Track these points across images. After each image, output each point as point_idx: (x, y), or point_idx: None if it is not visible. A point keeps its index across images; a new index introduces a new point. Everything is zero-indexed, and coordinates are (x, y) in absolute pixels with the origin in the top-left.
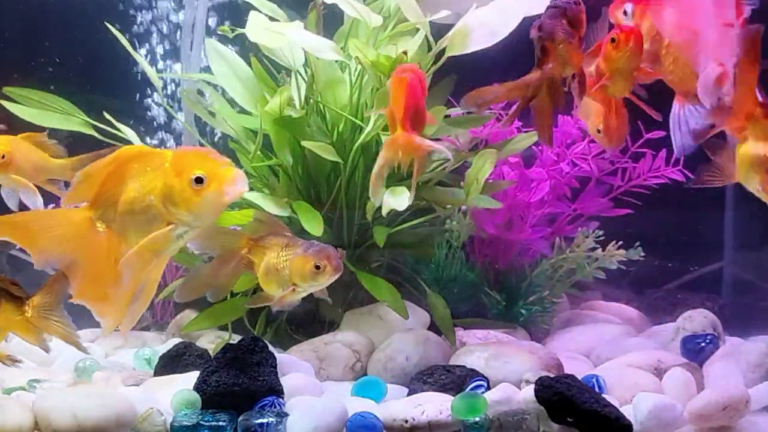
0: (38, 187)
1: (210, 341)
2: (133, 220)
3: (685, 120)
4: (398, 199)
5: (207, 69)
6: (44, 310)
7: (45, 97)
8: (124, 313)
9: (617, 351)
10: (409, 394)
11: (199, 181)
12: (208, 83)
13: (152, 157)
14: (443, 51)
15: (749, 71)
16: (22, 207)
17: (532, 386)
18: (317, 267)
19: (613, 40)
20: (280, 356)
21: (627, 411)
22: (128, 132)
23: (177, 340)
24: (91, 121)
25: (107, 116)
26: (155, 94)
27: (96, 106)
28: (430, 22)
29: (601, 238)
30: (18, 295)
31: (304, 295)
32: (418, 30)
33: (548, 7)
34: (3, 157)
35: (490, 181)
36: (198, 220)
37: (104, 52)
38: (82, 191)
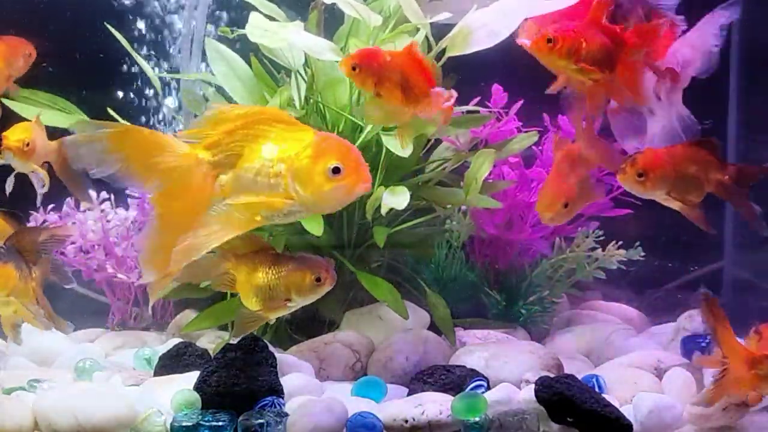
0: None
1: (210, 341)
2: (253, 181)
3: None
4: (398, 199)
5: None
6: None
7: (44, 96)
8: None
9: (617, 351)
10: (409, 394)
11: (336, 171)
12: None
13: (295, 129)
14: (444, 51)
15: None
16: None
17: (532, 386)
18: (318, 279)
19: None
20: (280, 356)
21: (627, 411)
22: None
23: (177, 340)
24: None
25: (112, 113)
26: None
27: (94, 105)
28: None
29: (601, 238)
30: None
31: (296, 308)
32: (418, 30)
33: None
34: (27, 144)
35: (490, 181)
36: (317, 207)
37: (102, 51)
38: (201, 130)
